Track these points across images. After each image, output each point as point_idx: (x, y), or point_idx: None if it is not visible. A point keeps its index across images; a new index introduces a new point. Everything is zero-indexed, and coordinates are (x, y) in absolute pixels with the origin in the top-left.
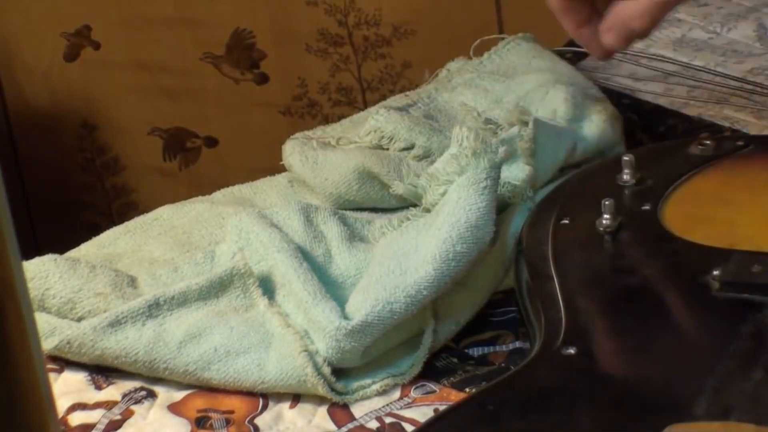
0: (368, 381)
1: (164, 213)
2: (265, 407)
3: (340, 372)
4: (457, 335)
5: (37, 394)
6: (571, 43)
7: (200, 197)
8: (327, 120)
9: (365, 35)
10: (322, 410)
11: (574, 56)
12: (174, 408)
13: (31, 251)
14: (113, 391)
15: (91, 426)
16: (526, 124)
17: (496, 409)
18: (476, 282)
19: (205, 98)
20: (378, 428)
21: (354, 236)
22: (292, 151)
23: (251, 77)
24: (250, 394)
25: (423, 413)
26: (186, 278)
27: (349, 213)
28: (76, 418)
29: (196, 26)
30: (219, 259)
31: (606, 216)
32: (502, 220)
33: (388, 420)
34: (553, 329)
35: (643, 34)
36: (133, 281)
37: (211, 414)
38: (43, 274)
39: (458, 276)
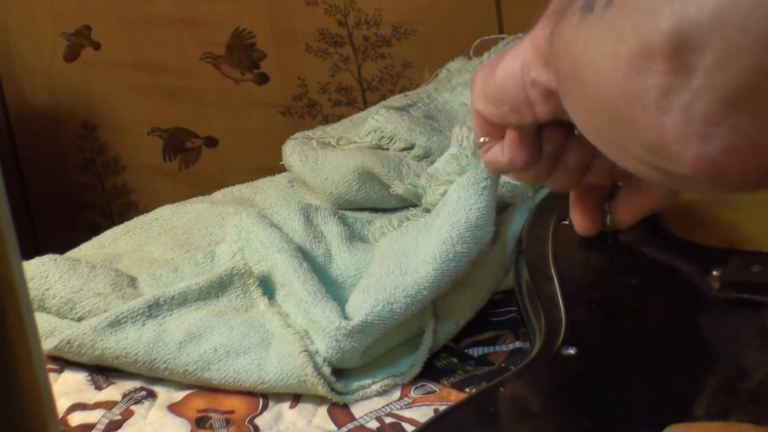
0: (368, 381)
1: (164, 213)
2: (265, 407)
3: (340, 372)
4: (457, 335)
5: (37, 394)
6: None
7: (200, 197)
8: (327, 120)
9: (365, 35)
10: (322, 410)
11: None
12: (174, 408)
13: (31, 251)
14: (113, 391)
15: (91, 426)
16: None
17: (496, 410)
18: (476, 282)
19: (205, 98)
20: (378, 428)
21: (354, 236)
22: (292, 151)
23: (251, 77)
24: (250, 394)
25: (423, 413)
26: (186, 278)
27: (349, 213)
28: (76, 418)
29: (196, 26)
30: (219, 259)
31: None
32: (502, 220)
33: (388, 420)
34: (553, 329)
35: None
36: (133, 281)
37: (211, 414)
38: (43, 274)
39: (458, 276)
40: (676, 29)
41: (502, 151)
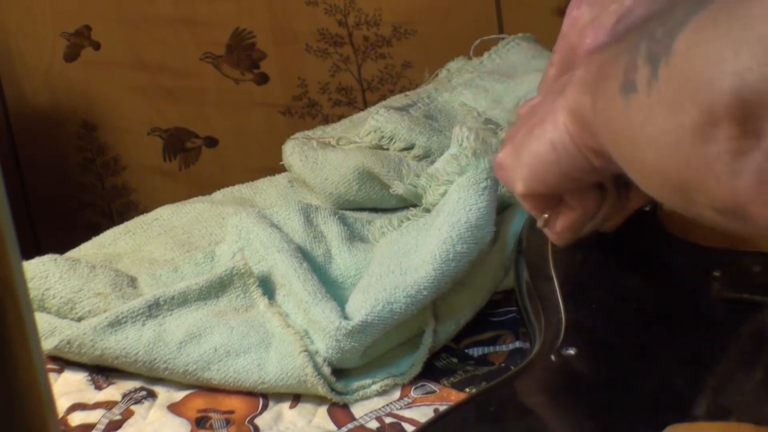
0: (368, 381)
1: (164, 213)
2: (265, 407)
3: (340, 372)
4: (457, 335)
5: (37, 394)
6: None
7: (200, 197)
8: (327, 120)
9: (365, 35)
10: (322, 410)
11: None
12: (174, 408)
13: (31, 251)
14: (113, 391)
15: (91, 426)
16: None
17: (496, 410)
18: (476, 282)
19: (205, 98)
20: (378, 428)
21: (354, 236)
22: (292, 151)
23: (251, 77)
24: (250, 394)
25: (423, 413)
26: (186, 278)
27: (349, 213)
28: (76, 418)
29: (196, 26)
30: (219, 259)
31: None
32: (503, 220)
33: (388, 420)
34: (553, 330)
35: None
36: (133, 281)
37: (211, 414)
38: (43, 274)
39: (458, 276)
40: (738, 99)
41: (572, 210)
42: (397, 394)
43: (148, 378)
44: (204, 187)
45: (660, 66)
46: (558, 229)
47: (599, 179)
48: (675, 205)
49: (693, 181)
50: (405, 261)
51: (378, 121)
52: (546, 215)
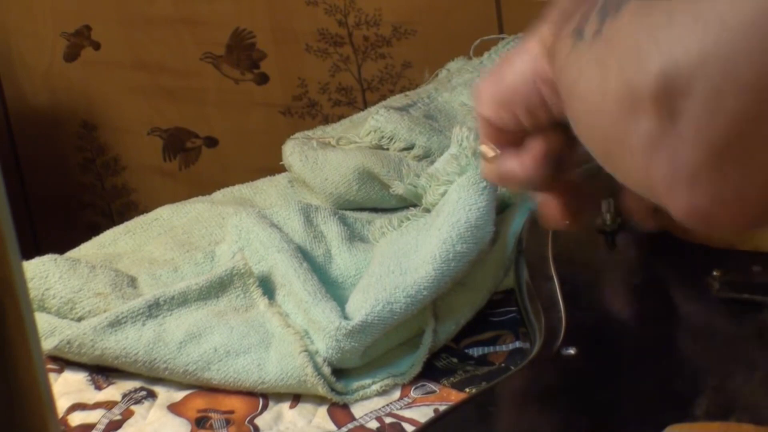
0: (368, 381)
1: (164, 213)
2: (265, 407)
3: (340, 372)
4: (457, 335)
5: (37, 394)
6: None
7: (200, 197)
8: (327, 120)
9: (365, 35)
10: (322, 410)
11: None
12: (174, 408)
13: (31, 251)
14: (113, 391)
15: (91, 426)
16: None
17: (496, 410)
18: (476, 282)
19: (205, 98)
20: (378, 428)
21: (354, 236)
22: (292, 151)
23: (251, 77)
24: (250, 394)
25: (423, 413)
26: (186, 278)
27: (349, 213)
28: (76, 418)
29: (196, 26)
30: (219, 259)
31: (606, 216)
32: (502, 220)
33: (388, 420)
34: (553, 329)
35: None
36: (133, 281)
37: (211, 414)
38: (43, 274)
39: (458, 276)
40: (662, 73)
41: (520, 166)
42: (397, 394)
43: (148, 378)
44: (204, 187)
45: (606, 23)
46: (500, 170)
47: (547, 120)
48: (603, 165)
49: (611, 150)
50: (405, 261)
51: (378, 121)
52: (495, 153)
